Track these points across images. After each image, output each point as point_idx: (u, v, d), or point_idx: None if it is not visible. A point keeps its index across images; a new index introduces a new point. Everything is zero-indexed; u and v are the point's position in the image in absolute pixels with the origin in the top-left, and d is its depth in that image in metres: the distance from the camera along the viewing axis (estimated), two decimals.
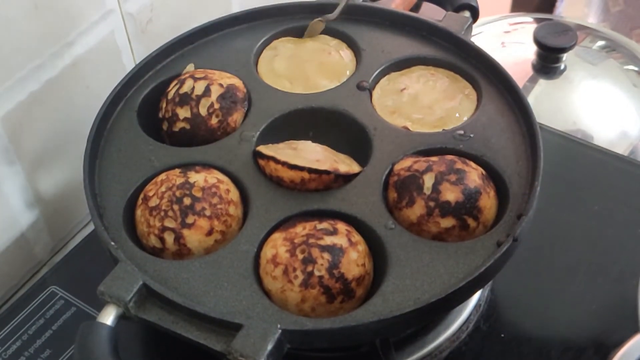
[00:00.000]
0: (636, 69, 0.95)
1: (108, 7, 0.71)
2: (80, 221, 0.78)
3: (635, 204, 0.73)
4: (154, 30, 0.77)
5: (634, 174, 0.76)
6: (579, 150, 0.78)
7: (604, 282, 0.68)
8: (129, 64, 0.75)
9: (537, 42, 0.91)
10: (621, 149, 0.88)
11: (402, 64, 0.71)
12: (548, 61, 0.93)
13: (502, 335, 0.66)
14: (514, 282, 0.66)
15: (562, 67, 0.93)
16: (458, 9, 0.75)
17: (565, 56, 0.92)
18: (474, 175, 0.60)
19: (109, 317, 0.53)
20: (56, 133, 0.71)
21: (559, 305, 0.67)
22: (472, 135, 0.65)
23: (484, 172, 0.62)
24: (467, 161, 0.62)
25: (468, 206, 0.59)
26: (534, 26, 0.94)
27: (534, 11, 1.10)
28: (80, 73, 0.71)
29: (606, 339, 0.64)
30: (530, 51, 0.93)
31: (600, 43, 0.98)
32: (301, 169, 0.60)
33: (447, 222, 0.59)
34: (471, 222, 0.59)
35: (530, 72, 0.93)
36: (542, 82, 0.93)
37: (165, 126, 0.68)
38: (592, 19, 1.18)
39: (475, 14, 0.75)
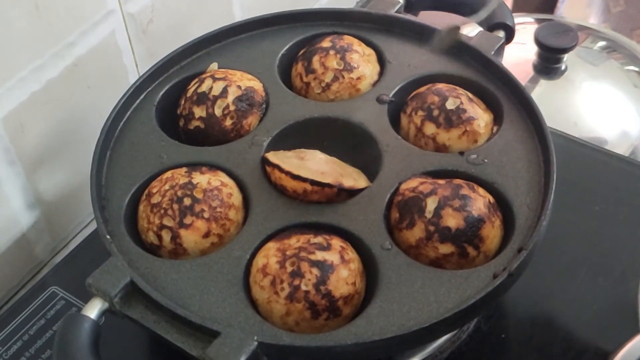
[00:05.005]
0: (637, 69, 0.94)
1: (109, 8, 0.71)
2: (81, 221, 0.78)
3: (636, 204, 0.72)
4: (154, 31, 0.77)
5: (635, 175, 0.75)
6: (579, 151, 0.78)
7: (605, 283, 0.67)
8: (129, 64, 0.76)
9: (538, 42, 0.91)
10: (622, 150, 0.87)
11: (425, 80, 0.69)
12: (549, 62, 0.92)
13: (503, 335, 0.65)
14: (515, 283, 0.65)
15: (563, 67, 0.93)
16: (493, 27, 0.73)
17: (566, 57, 0.92)
18: (480, 203, 0.58)
19: (93, 310, 0.54)
20: (57, 133, 0.72)
21: (559, 306, 0.66)
22: (486, 161, 0.63)
23: (492, 200, 0.60)
24: (476, 187, 0.60)
25: (469, 234, 0.57)
26: (534, 27, 0.94)
27: (535, 11, 1.09)
28: (81, 73, 0.71)
29: (607, 339, 0.63)
30: (531, 52, 0.93)
31: (601, 44, 0.98)
32: (304, 180, 0.60)
33: (446, 249, 0.57)
34: (471, 251, 0.58)
35: (531, 72, 0.93)
36: (543, 83, 0.92)
37: (181, 123, 0.68)
38: (593, 20, 1.16)
39: (510, 34, 0.73)
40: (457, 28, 0.65)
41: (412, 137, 0.66)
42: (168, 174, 0.62)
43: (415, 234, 0.58)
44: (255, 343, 0.51)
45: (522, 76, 0.89)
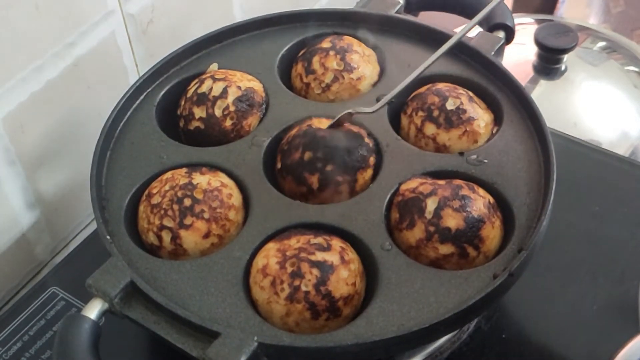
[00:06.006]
0: (637, 69, 0.94)
1: (109, 8, 0.71)
2: (81, 222, 0.78)
3: (636, 204, 0.73)
4: (154, 31, 0.77)
5: (635, 175, 0.75)
6: (579, 151, 0.78)
7: (605, 283, 0.67)
8: (129, 65, 0.76)
9: (538, 43, 0.91)
10: (622, 150, 0.88)
11: (425, 80, 0.69)
12: (549, 62, 0.92)
13: (503, 335, 0.65)
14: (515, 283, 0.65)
15: (563, 68, 0.93)
16: (493, 28, 0.73)
17: (566, 57, 0.92)
18: (480, 204, 0.59)
19: (93, 310, 0.54)
20: (57, 133, 0.72)
21: (559, 306, 0.66)
22: (486, 161, 0.63)
23: (492, 200, 0.60)
24: (476, 188, 0.60)
25: (469, 234, 0.57)
26: (534, 27, 0.94)
27: (535, 12, 1.09)
28: (81, 74, 0.71)
29: (607, 339, 0.62)
30: (531, 52, 0.93)
31: (601, 44, 0.98)
32: None
33: (446, 249, 0.57)
34: (471, 251, 0.58)
35: (531, 73, 0.93)
36: (543, 83, 0.93)
37: (182, 123, 0.68)
38: (593, 20, 1.17)
39: (510, 35, 0.73)
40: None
41: (412, 137, 0.66)
42: (168, 174, 0.62)
43: (416, 234, 0.58)
44: (256, 343, 0.51)
45: (522, 76, 0.89)
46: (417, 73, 0.64)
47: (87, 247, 0.71)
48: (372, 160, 0.63)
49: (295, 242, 0.57)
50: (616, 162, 0.77)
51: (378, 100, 0.68)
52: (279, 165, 0.63)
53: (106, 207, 0.61)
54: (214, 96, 0.67)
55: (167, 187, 0.61)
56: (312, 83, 0.70)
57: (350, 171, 0.61)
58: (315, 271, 0.55)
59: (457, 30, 0.68)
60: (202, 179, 0.61)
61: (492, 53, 0.70)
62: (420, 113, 0.66)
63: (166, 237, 0.59)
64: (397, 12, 0.75)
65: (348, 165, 0.61)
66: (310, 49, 0.72)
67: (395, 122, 0.67)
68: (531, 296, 0.66)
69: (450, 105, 0.65)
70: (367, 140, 0.63)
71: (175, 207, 0.59)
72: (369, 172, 0.62)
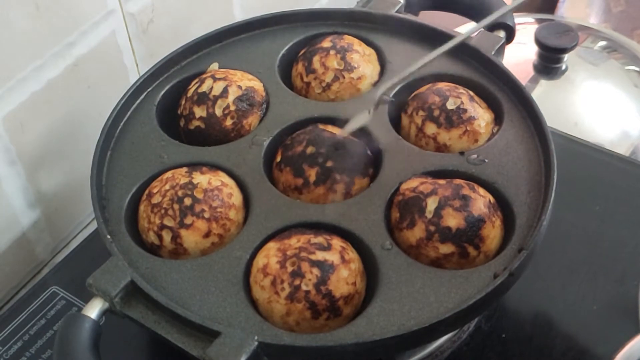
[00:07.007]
0: (637, 69, 0.94)
1: (109, 8, 0.71)
2: (82, 221, 0.79)
3: (636, 204, 0.73)
4: (155, 31, 0.77)
5: (635, 175, 0.75)
6: (579, 151, 0.78)
7: (605, 283, 0.67)
8: (130, 64, 0.76)
9: (539, 42, 0.91)
10: (622, 150, 0.88)
11: (426, 80, 0.69)
12: (549, 61, 0.92)
13: (504, 335, 0.65)
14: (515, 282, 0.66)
15: (564, 67, 0.93)
16: (493, 27, 0.73)
17: (566, 57, 0.92)
18: (480, 203, 0.59)
19: (94, 310, 0.54)
20: (57, 133, 0.72)
21: (560, 306, 0.66)
22: (486, 161, 0.63)
23: (492, 200, 0.60)
24: (476, 187, 0.60)
25: (469, 234, 0.57)
26: (535, 26, 0.94)
27: (536, 11, 1.09)
28: (82, 73, 0.71)
29: (607, 339, 0.63)
30: (531, 51, 0.93)
31: (602, 43, 0.98)
32: None
33: (446, 249, 0.57)
34: (471, 251, 0.58)
35: (531, 72, 0.93)
36: (544, 83, 0.93)
37: (182, 123, 0.68)
38: (593, 20, 1.17)
39: (510, 34, 0.73)
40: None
41: (412, 137, 0.66)
42: (168, 174, 0.62)
43: (416, 233, 0.58)
44: (256, 343, 0.51)
45: (522, 76, 0.89)
46: (417, 67, 0.63)
47: (87, 247, 0.71)
48: (371, 171, 0.63)
49: (295, 241, 0.57)
50: (617, 162, 0.77)
51: (379, 100, 0.68)
52: (278, 159, 0.63)
53: (106, 206, 0.61)
54: (214, 95, 0.67)
55: (167, 187, 0.61)
56: (313, 82, 0.70)
57: (350, 173, 0.62)
58: (315, 270, 0.55)
59: (458, 29, 0.68)
60: (202, 179, 0.61)
61: (493, 52, 0.70)
62: (421, 112, 0.66)
63: (166, 236, 0.59)
64: (397, 11, 0.75)
65: (349, 166, 0.61)
66: (310, 49, 0.72)
67: (395, 122, 0.67)
68: (531, 296, 0.66)
69: (450, 104, 0.65)
70: (369, 153, 0.64)
71: (176, 206, 0.59)
72: (365, 181, 0.62)
